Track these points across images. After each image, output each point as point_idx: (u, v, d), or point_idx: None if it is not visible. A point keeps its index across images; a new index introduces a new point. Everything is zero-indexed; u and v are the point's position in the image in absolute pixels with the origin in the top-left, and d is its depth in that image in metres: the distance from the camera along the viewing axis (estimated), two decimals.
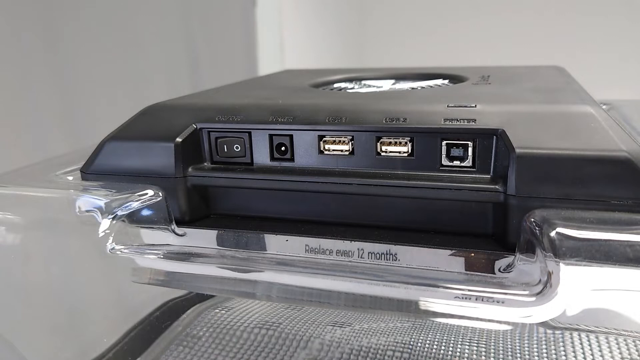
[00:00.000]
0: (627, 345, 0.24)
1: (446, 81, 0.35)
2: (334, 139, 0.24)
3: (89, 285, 0.30)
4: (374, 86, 0.35)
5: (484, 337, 0.17)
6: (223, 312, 0.32)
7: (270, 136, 0.25)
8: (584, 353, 0.17)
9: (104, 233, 0.24)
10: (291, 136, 0.25)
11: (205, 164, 0.26)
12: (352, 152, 0.24)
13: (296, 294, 0.22)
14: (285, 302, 0.31)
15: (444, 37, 0.83)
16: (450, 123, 0.22)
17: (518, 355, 0.16)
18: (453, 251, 0.22)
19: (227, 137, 0.26)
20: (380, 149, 0.23)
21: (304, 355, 0.26)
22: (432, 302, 0.19)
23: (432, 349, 0.17)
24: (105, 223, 0.24)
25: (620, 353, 0.23)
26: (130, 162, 0.26)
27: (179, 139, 0.25)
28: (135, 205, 0.24)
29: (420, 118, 0.23)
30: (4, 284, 0.28)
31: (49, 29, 0.56)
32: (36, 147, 0.55)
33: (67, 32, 0.58)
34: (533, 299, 0.18)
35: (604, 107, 0.23)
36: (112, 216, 0.24)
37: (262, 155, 0.25)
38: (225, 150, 0.26)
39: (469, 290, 0.19)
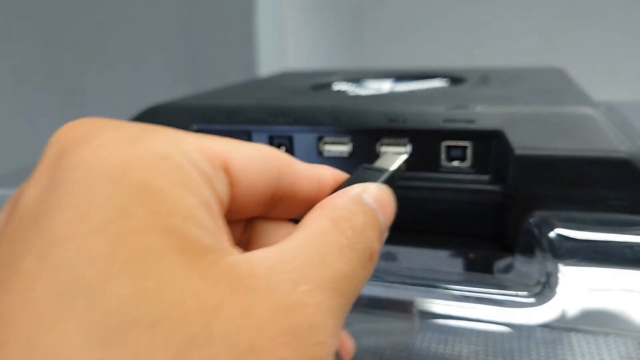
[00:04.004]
0: (626, 345, 0.24)
1: (445, 82, 0.35)
2: (333, 140, 0.24)
3: None
4: (373, 86, 0.35)
5: (483, 337, 0.17)
6: None
7: (270, 137, 0.25)
8: (582, 354, 0.17)
9: None
10: (291, 137, 0.25)
11: None
12: (351, 153, 0.24)
13: None
14: None
15: (444, 37, 0.83)
16: (450, 124, 0.22)
17: (516, 355, 0.16)
18: (452, 252, 0.22)
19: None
20: (380, 150, 0.23)
21: None
22: (431, 302, 0.19)
23: (432, 349, 0.17)
24: None
25: (619, 353, 0.23)
26: None
27: None
28: None
29: (420, 119, 0.23)
30: None
31: (49, 29, 0.56)
32: (36, 147, 0.56)
33: (67, 32, 0.58)
34: (532, 299, 0.18)
35: (603, 108, 0.24)
36: None
37: None
38: None
39: (468, 291, 0.19)
